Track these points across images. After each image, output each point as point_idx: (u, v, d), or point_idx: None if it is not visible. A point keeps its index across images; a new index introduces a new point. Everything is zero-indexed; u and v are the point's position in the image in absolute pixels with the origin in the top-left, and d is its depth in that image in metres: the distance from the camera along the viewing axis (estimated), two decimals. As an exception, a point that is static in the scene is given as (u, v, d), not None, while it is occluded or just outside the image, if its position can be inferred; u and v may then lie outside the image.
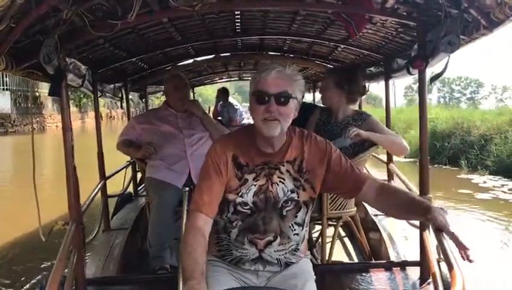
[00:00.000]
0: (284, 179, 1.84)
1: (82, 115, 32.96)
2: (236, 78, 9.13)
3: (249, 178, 1.84)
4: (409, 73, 3.22)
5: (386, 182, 1.88)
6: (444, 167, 11.22)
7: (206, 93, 44.83)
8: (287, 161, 1.86)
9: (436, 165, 11.31)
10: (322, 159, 1.88)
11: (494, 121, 13.35)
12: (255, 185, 1.83)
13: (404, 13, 2.56)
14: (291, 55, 5.18)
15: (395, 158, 4.37)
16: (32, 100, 27.35)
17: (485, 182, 10.54)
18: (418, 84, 2.71)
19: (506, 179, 10.56)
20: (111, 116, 38.19)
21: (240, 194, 1.83)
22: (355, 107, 3.94)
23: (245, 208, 1.84)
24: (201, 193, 1.78)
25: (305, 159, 1.86)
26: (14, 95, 25.84)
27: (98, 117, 4.42)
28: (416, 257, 2.77)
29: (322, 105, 3.46)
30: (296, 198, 1.85)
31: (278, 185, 1.84)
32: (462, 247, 1.62)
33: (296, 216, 1.86)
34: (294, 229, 1.87)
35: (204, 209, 1.76)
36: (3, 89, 25.11)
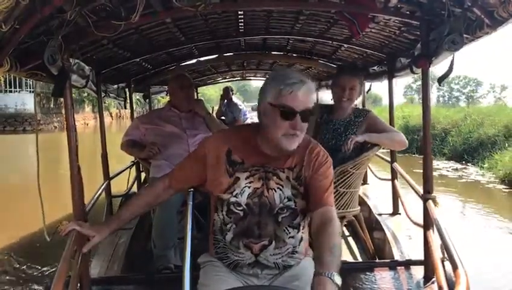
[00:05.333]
0: (282, 186, 1.81)
1: (95, 114, 33.78)
2: (239, 78, 9.13)
3: (241, 177, 1.81)
4: (412, 72, 3.21)
5: (329, 225, 1.65)
6: (413, 155, 12.86)
7: (208, 93, 44.90)
8: (287, 167, 1.82)
9: (406, 154, 12.66)
10: (313, 169, 1.82)
11: (453, 117, 16.55)
12: (249, 187, 1.81)
13: (408, 12, 2.56)
14: (294, 55, 5.17)
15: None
16: (53, 100, 28.83)
17: (438, 165, 12.92)
18: (417, 83, 2.72)
19: (455, 163, 13.76)
20: (120, 116, 39.18)
21: (233, 193, 1.82)
22: (359, 105, 3.94)
23: (238, 209, 1.82)
24: (178, 168, 1.99)
25: (304, 166, 1.83)
26: (38, 96, 27.77)
27: (102, 118, 4.43)
28: (420, 256, 2.76)
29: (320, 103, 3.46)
30: (293, 206, 1.82)
31: (275, 191, 1.80)
32: None
33: (291, 222, 1.83)
34: (289, 233, 1.84)
35: (170, 178, 1.96)
36: (30, 91, 26.51)
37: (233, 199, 1.82)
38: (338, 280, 1.39)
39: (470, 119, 15.63)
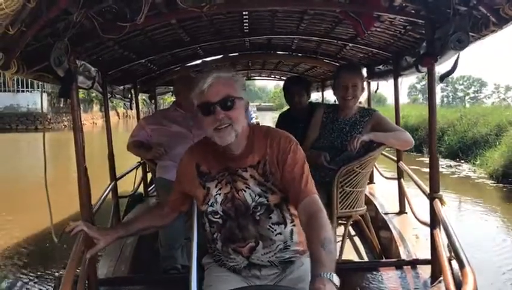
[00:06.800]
0: (249, 185, 1.80)
1: (103, 114, 34.46)
2: (244, 78, 9.13)
3: (211, 186, 1.83)
4: (418, 71, 3.20)
5: (316, 217, 1.59)
6: (411, 153, 13.16)
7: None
8: (249, 165, 1.80)
9: (405, 152, 13.10)
10: (280, 160, 1.79)
11: (450, 117, 17.27)
12: (220, 194, 1.82)
13: (413, 11, 2.55)
14: (299, 54, 5.17)
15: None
16: (63, 100, 29.89)
17: None
18: (421, 83, 2.71)
19: (451, 160, 14.48)
20: (127, 116, 39.80)
21: (209, 203, 1.84)
22: (364, 105, 3.93)
23: (216, 217, 1.84)
24: (171, 193, 2.05)
25: (268, 160, 1.80)
26: (49, 96, 28.90)
27: (108, 119, 4.45)
28: (427, 255, 2.76)
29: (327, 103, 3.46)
30: (265, 202, 1.80)
31: (244, 191, 1.80)
32: None
33: (270, 217, 1.81)
34: (275, 230, 1.82)
35: (170, 204, 2.04)
36: (44, 91, 27.53)
37: (210, 209, 1.84)
38: (336, 280, 1.35)
39: (465, 119, 16.45)
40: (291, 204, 1.82)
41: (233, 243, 1.82)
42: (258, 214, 1.80)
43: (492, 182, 11.04)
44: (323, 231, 1.53)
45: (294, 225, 1.85)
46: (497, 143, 12.93)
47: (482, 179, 11.57)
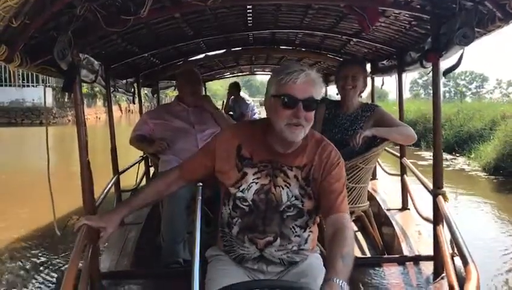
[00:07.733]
0: (290, 184, 1.80)
1: (106, 109, 34.48)
2: (247, 73, 9.11)
3: (249, 172, 1.81)
4: (422, 66, 3.18)
5: (342, 232, 1.65)
6: (410, 147, 13.27)
7: (213, 88, 44.75)
8: (296, 166, 1.81)
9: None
10: (325, 170, 1.80)
11: (447, 112, 17.04)
12: (256, 183, 1.80)
13: (418, 6, 2.54)
14: (303, 49, 5.15)
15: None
16: (68, 95, 30.10)
17: (430, 156, 13.80)
18: (423, 78, 2.70)
19: (447, 154, 14.22)
20: (129, 110, 39.94)
21: (240, 188, 1.82)
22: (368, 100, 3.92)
23: (244, 204, 1.82)
24: (188, 159, 2.02)
25: (314, 167, 1.81)
26: (54, 91, 28.83)
27: (111, 113, 4.46)
28: (429, 251, 2.75)
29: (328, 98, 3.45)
30: (300, 206, 1.81)
31: (282, 188, 1.80)
32: None
33: (297, 220, 1.82)
34: (296, 231, 1.83)
35: (180, 169, 1.98)
36: (48, 86, 27.85)
37: (239, 194, 1.82)
38: (347, 289, 1.42)
39: (462, 114, 16.82)
40: (320, 213, 1.84)
41: (251, 233, 1.82)
42: (287, 213, 1.81)
43: (485, 174, 11.42)
44: (346, 247, 1.59)
45: (311, 232, 1.89)
46: (491, 137, 13.26)
47: (475, 171, 11.96)
